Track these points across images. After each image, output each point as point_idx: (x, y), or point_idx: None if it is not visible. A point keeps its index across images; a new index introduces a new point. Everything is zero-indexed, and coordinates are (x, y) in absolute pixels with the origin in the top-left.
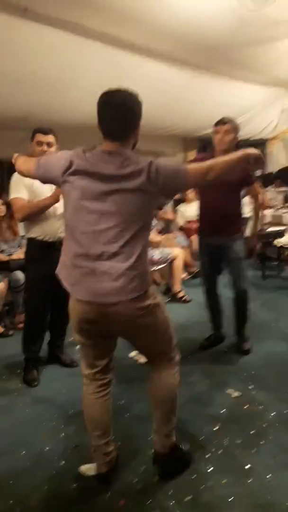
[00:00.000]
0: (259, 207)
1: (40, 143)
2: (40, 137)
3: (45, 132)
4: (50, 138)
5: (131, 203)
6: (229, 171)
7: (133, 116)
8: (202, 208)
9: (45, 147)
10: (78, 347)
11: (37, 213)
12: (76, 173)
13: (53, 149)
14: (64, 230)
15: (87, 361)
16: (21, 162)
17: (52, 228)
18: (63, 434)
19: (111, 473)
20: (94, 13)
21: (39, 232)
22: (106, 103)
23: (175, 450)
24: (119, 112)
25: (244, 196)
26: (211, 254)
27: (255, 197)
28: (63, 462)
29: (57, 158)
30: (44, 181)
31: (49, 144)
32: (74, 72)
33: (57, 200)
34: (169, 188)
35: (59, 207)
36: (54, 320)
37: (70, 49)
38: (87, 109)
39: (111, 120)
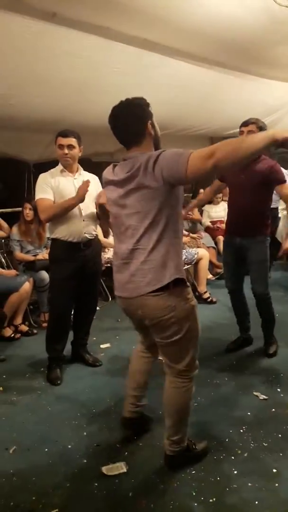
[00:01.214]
0: None
1: (61, 147)
2: (60, 140)
3: (65, 135)
4: (71, 141)
5: (138, 201)
6: (238, 158)
7: (135, 120)
8: (229, 208)
9: (65, 150)
10: (102, 345)
11: (61, 214)
12: (105, 186)
13: (75, 151)
14: None
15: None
16: None
17: (76, 228)
18: (85, 432)
19: (131, 422)
20: (122, 16)
21: (64, 232)
22: (111, 117)
23: (184, 453)
24: (121, 122)
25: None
26: (235, 254)
27: (285, 197)
28: (85, 460)
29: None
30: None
31: (69, 147)
32: (102, 76)
33: (81, 200)
34: (171, 176)
35: (84, 207)
36: (78, 319)
37: (98, 52)
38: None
39: (118, 131)
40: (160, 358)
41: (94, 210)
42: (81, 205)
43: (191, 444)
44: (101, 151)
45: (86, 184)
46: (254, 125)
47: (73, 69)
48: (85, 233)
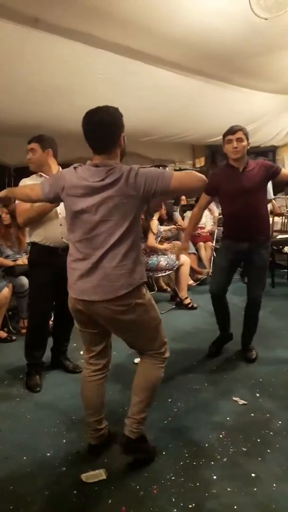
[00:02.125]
0: None
1: (27, 151)
2: (27, 145)
3: (29, 140)
4: (32, 145)
5: (115, 209)
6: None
7: (111, 130)
8: (228, 214)
9: (30, 154)
10: (82, 352)
11: (37, 217)
12: (69, 188)
13: (36, 155)
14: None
15: (85, 346)
16: (28, 190)
17: (53, 233)
18: (65, 440)
19: (99, 448)
20: (105, 24)
21: (41, 236)
22: (86, 123)
23: (142, 440)
24: (98, 130)
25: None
26: (235, 260)
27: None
28: (64, 468)
29: (56, 178)
30: (52, 201)
31: (32, 151)
32: (85, 82)
33: (57, 205)
34: (149, 190)
35: (62, 211)
36: (58, 326)
37: (81, 58)
38: None
39: (93, 137)
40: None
41: None
42: (58, 209)
43: (147, 435)
44: (84, 157)
45: None
46: (241, 132)
47: (55, 75)
48: (62, 238)
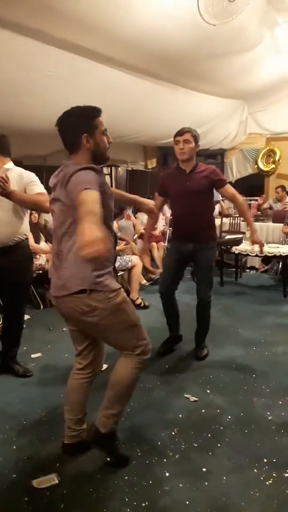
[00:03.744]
0: (241, 209)
1: None
2: None
3: None
4: None
5: (59, 210)
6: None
7: (68, 131)
8: (174, 215)
9: None
10: (32, 355)
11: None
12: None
13: None
14: None
15: (73, 343)
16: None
17: None
18: (15, 446)
19: (73, 447)
20: (56, 20)
21: None
22: (55, 124)
23: (109, 437)
24: (60, 132)
25: (214, 203)
26: (181, 260)
27: (232, 198)
28: (15, 475)
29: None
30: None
31: None
32: (34, 79)
33: None
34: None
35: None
36: (7, 330)
37: (29, 55)
38: (45, 116)
39: (60, 137)
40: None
41: (10, 213)
42: None
43: (116, 436)
44: (32, 154)
45: None
46: (189, 133)
47: (1, 70)
48: (5, 238)
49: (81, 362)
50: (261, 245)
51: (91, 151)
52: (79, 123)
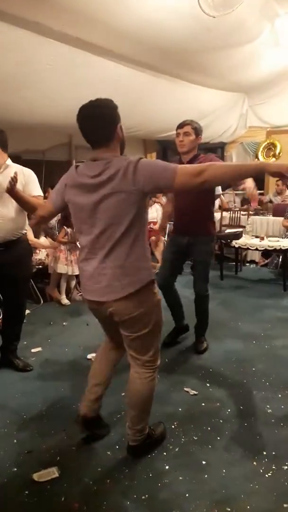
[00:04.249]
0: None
1: None
2: None
3: None
4: None
5: (114, 206)
6: (225, 181)
7: (103, 123)
8: (175, 208)
9: None
10: (33, 350)
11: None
12: (70, 189)
13: None
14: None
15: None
16: (40, 211)
17: None
18: (15, 440)
19: (86, 420)
20: (54, 13)
21: None
22: (80, 118)
23: (146, 440)
24: (91, 124)
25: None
26: (179, 253)
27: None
28: (15, 468)
29: (60, 181)
30: (60, 209)
31: None
32: (34, 72)
33: None
34: (152, 186)
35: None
36: (6, 324)
37: (28, 48)
38: (44, 109)
39: (87, 132)
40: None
41: (13, 209)
42: None
43: (150, 431)
44: (32, 149)
45: None
46: (189, 126)
47: (1, 63)
48: (6, 234)
49: (115, 344)
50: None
51: (121, 141)
52: (115, 114)
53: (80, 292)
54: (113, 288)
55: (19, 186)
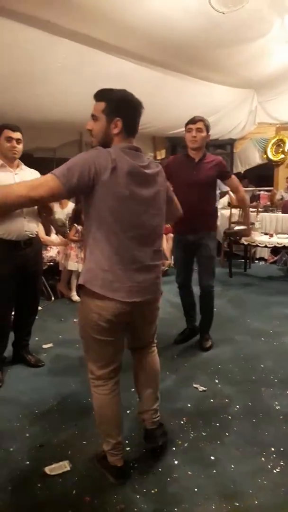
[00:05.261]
0: (242, 200)
1: (9, 139)
2: (9, 133)
3: (14, 129)
4: (19, 135)
5: (163, 201)
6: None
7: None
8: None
9: (14, 143)
10: (44, 346)
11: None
12: (119, 176)
13: (21, 146)
14: (95, 233)
15: (105, 361)
16: (29, 187)
17: (17, 226)
18: (28, 434)
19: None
20: (65, 12)
21: (3, 230)
22: (134, 101)
23: (162, 424)
24: (141, 111)
25: (222, 194)
26: (186, 251)
27: (235, 189)
28: (28, 462)
29: (86, 160)
30: (75, 193)
31: (18, 141)
32: (44, 70)
33: None
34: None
35: None
36: (19, 320)
37: (40, 46)
38: (54, 107)
39: (138, 120)
40: None
41: (35, 208)
42: None
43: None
44: (43, 147)
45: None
46: (202, 122)
47: (11, 61)
48: (26, 231)
49: (118, 374)
50: (249, 229)
51: None
52: None
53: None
54: (158, 285)
55: None
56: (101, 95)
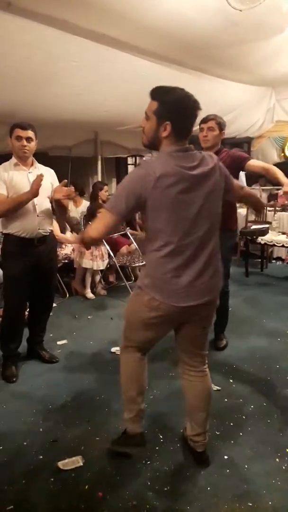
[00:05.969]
0: (273, 170)
1: (19, 138)
2: (19, 132)
3: (24, 127)
4: (29, 133)
5: (217, 201)
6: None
7: None
8: None
9: (24, 142)
10: (58, 342)
11: (15, 209)
12: (166, 182)
13: (32, 144)
14: (153, 242)
15: (142, 345)
16: (95, 230)
17: (30, 224)
18: (41, 429)
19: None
20: (79, 10)
21: (17, 228)
22: (188, 105)
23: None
24: (196, 114)
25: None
26: None
27: (262, 169)
28: (41, 456)
29: (132, 182)
30: (130, 214)
31: (28, 139)
32: (60, 69)
33: (35, 195)
34: (226, 186)
35: (38, 202)
36: (34, 317)
37: (55, 45)
38: (70, 105)
39: (189, 122)
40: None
41: (49, 205)
42: (35, 200)
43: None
44: (59, 145)
45: (39, 178)
46: (213, 121)
47: (29, 61)
48: (39, 229)
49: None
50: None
51: None
52: None
53: (104, 286)
54: (215, 285)
55: (48, 184)
56: (156, 94)
